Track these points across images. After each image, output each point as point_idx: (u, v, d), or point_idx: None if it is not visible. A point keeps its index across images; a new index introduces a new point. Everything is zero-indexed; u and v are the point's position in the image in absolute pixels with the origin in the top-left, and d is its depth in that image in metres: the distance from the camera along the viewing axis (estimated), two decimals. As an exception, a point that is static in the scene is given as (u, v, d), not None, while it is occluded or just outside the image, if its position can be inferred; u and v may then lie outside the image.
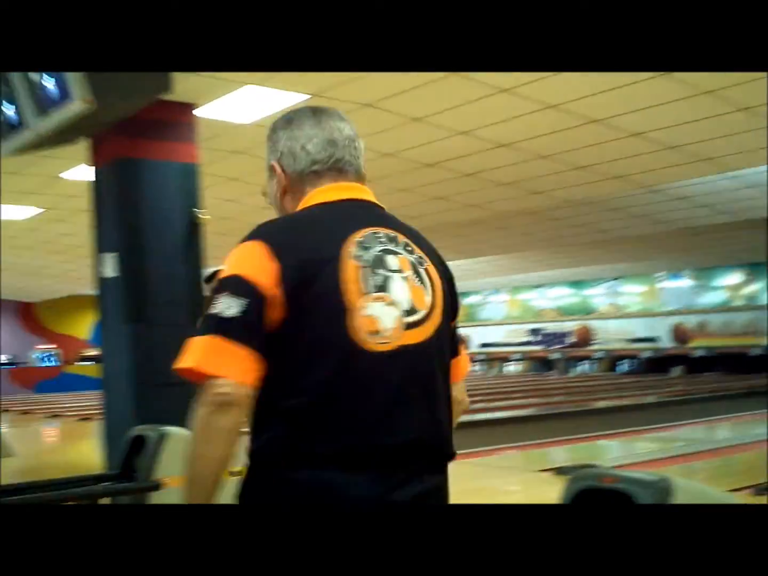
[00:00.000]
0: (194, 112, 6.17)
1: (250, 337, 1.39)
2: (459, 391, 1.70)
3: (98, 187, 5.90)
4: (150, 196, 5.71)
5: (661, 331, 21.66)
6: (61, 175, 8.67)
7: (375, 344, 1.45)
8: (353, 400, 1.43)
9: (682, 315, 21.35)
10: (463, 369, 1.76)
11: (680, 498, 2.28)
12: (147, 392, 5.39)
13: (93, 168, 5.93)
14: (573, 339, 23.65)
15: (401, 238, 1.57)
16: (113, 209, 5.74)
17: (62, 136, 4.49)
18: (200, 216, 5.84)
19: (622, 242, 15.50)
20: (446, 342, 1.60)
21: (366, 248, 1.50)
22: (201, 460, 1.38)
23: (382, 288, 1.48)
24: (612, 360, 22.80)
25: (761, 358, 19.20)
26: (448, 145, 8.13)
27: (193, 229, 5.79)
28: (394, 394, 1.46)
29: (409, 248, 1.56)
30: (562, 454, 7.96)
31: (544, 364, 24.29)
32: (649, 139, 7.99)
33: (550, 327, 24.23)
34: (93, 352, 22.48)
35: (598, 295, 23.42)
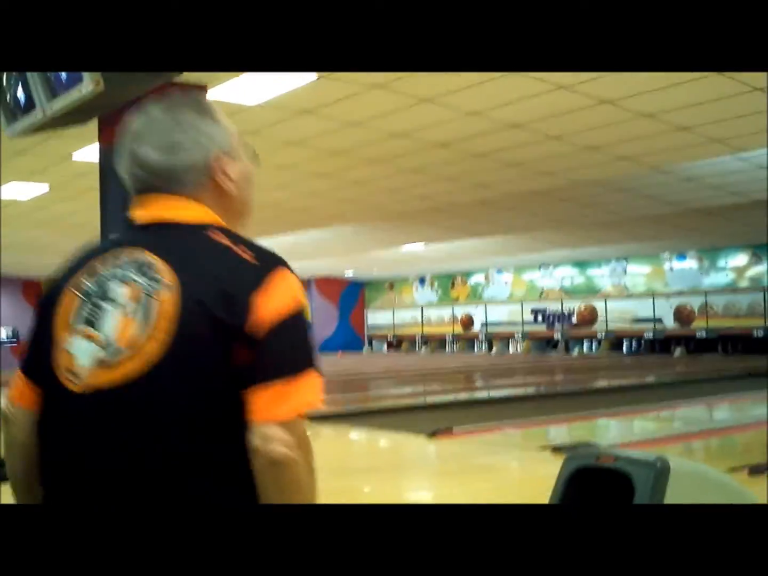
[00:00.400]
0: (206, 94, 6.19)
1: (22, 362, 1.45)
2: (256, 436, 1.24)
3: (107, 166, 5.94)
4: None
5: (664, 312, 21.67)
6: (70, 153, 8.71)
7: (70, 383, 1.32)
8: (54, 439, 1.35)
9: (686, 296, 21.37)
10: (269, 407, 1.25)
11: (677, 478, 2.31)
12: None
13: (102, 147, 5.96)
14: (576, 319, 23.67)
15: (154, 263, 1.33)
16: (121, 188, 5.77)
17: (71, 116, 4.49)
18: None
19: (629, 223, 15.44)
20: (177, 385, 1.27)
21: (94, 276, 1.36)
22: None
23: (91, 321, 1.32)
24: (615, 340, 22.84)
25: (764, 340, 19.24)
26: (458, 125, 8.13)
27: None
28: (81, 440, 1.31)
29: (150, 272, 1.32)
30: (561, 432, 8.02)
31: (547, 343, 24.34)
32: (659, 119, 7.96)
33: (554, 307, 24.26)
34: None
35: (603, 276, 23.42)
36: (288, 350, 1.29)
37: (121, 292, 1.32)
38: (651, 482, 2.27)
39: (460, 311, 26.76)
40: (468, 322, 26.52)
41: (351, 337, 29.22)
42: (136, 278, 1.32)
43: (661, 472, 2.28)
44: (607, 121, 7.99)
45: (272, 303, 1.29)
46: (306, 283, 28.45)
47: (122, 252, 1.37)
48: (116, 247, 1.39)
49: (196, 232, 1.37)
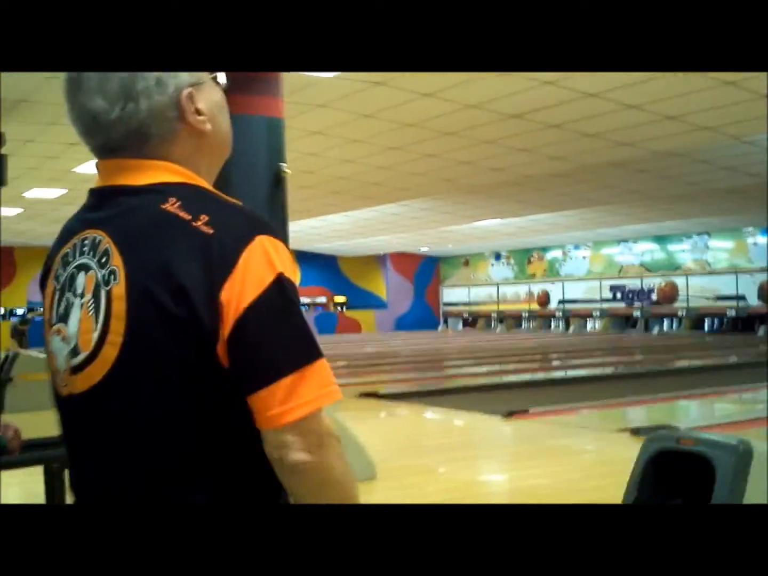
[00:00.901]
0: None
1: None
2: (269, 445, 1.09)
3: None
4: (235, 151, 5.69)
5: (748, 289, 21.07)
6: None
7: (57, 386, 1.21)
8: (65, 439, 1.25)
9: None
10: (275, 410, 1.07)
11: (759, 462, 2.24)
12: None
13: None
14: (656, 296, 23.19)
15: (108, 249, 1.14)
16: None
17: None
18: (284, 170, 5.88)
19: (710, 196, 15.08)
20: (140, 393, 1.11)
21: (66, 263, 1.20)
22: None
23: (64, 317, 1.18)
24: (697, 318, 22.30)
25: None
26: (533, 95, 8.00)
27: (277, 184, 5.84)
28: (76, 443, 1.22)
29: (104, 260, 1.15)
30: (639, 414, 7.86)
31: (625, 321, 23.92)
32: (742, 87, 7.70)
33: (634, 283, 23.80)
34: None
35: (684, 251, 22.86)
36: (279, 341, 1.08)
37: (82, 282, 1.16)
38: (733, 466, 2.21)
39: (537, 288, 26.49)
40: (545, 299, 26.23)
41: (426, 314, 29.19)
42: (93, 266, 1.15)
43: (743, 455, 2.22)
44: (686, 89, 7.77)
45: (245, 290, 1.07)
46: (381, 258, 28.50)
47: (85, 233, 1.18)
48: (82, 227, 1.19)
49: (151, 204, 1.13)
